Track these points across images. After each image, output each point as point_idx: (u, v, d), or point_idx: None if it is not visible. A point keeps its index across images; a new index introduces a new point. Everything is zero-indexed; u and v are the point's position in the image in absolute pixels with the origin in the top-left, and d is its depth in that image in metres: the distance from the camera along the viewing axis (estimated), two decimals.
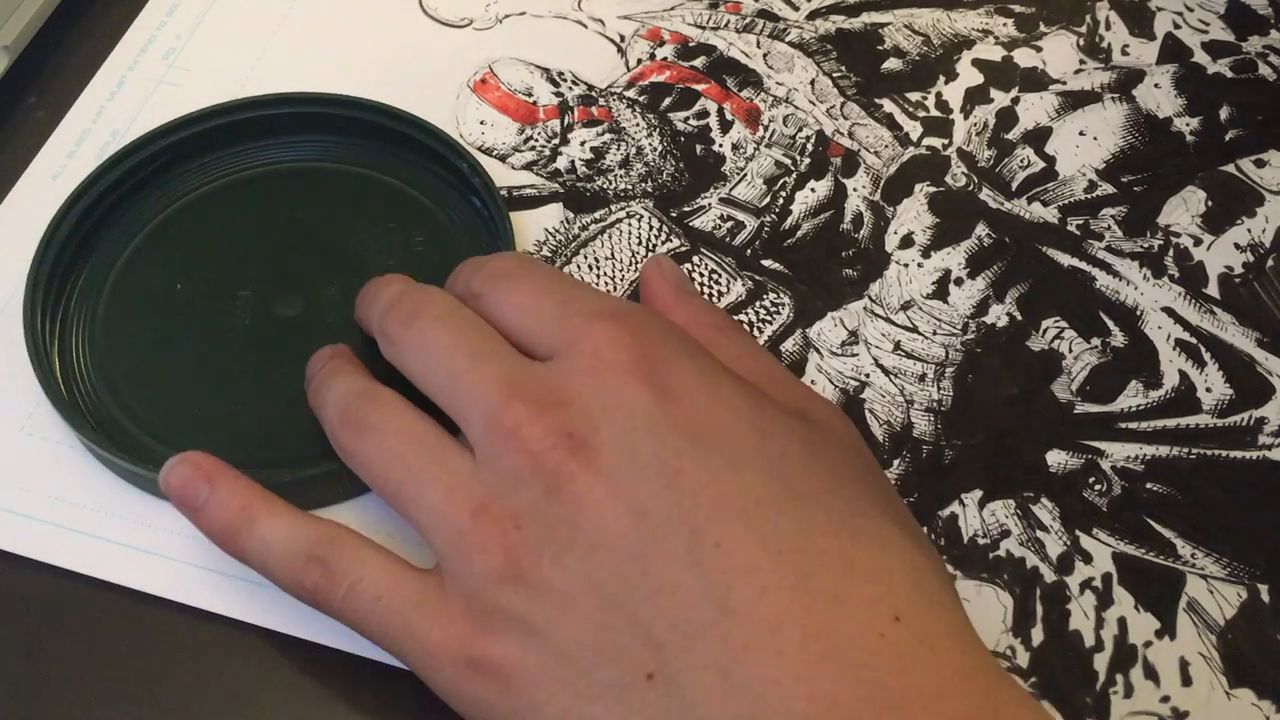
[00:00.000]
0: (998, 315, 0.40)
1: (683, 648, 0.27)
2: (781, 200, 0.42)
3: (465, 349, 0.31)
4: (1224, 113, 0.44)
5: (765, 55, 0.46)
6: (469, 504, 0.29)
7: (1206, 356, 0.39)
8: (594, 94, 0.45)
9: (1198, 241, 0.41)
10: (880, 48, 0.46)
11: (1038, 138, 0.44)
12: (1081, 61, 0.46)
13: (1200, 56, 0.46)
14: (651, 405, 0.29)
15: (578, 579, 0.28)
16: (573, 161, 0.43)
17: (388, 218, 0.41)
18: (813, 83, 0.45)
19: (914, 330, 0.39)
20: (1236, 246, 0.41)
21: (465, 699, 0.29)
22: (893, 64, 0.46)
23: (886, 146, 0.44)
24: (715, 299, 0.40)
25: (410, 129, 0.42)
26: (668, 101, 0.45)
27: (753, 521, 0.28)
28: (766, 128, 0.44)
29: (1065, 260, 0.41)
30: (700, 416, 0.29)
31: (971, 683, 0.26)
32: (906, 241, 0.41)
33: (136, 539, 0.36)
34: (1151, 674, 0.33)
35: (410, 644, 0.30)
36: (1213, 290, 0.40)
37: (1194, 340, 0.39)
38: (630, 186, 0.43)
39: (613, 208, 0.42)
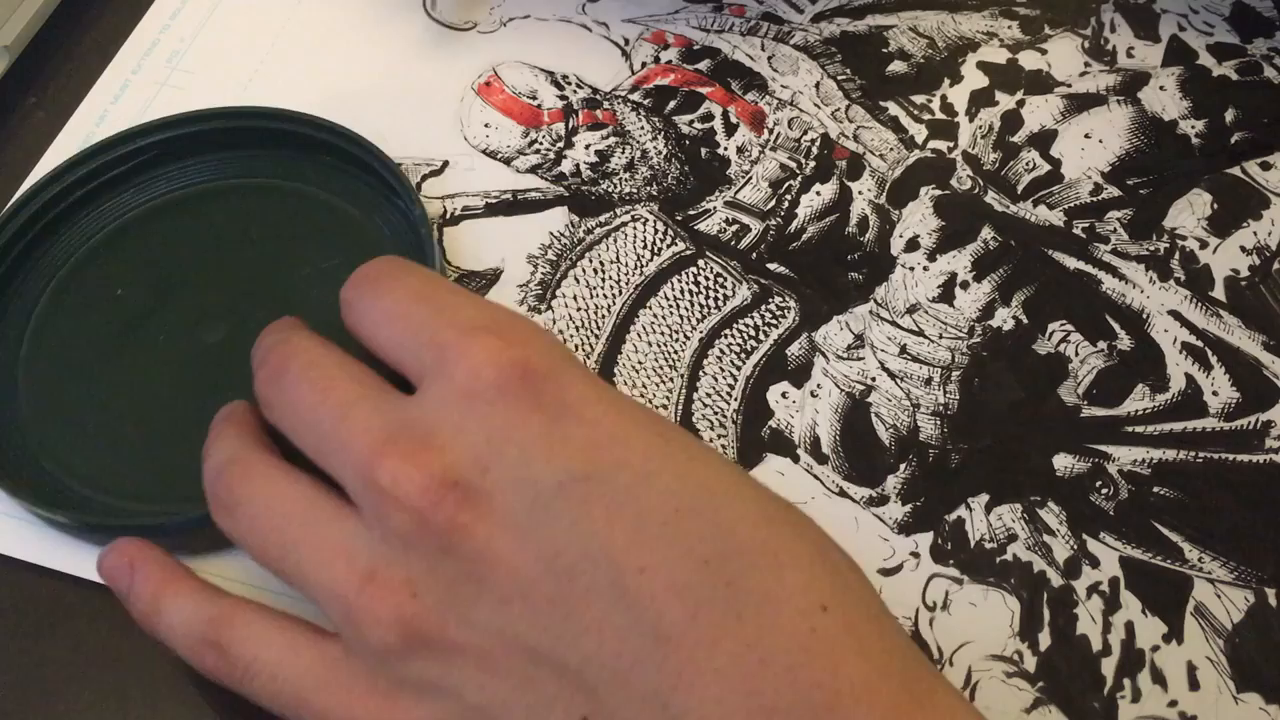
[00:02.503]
0: (1004, 319, 0.40)
1: (618, 685, 0.25)
2: (786, 203, 0.42)
3: (330, 403, 0.29)
4: (1229, 115, 0.44)
5: (770, 58, 0.46)
6: (354, 574, 0.27)
7: (1213, 360, 0.39)
8: (598, 97, 0.45)
9: (1204, 244, 0.41)
10: (885, 50, 0.46)
11: (1043, 140, 0.44)
12: (1086, 64, 0.46)
13: (1205, 59, 0.46)
14: (544, 428, 0.27)
15: (491, 635, 0.26)
16: (577, 165, 0.43)
17: (310, 231, 0.40)
18: (817, 86, 0.45)
19: (920, 334, 0.39)
20: (1243, 249, 0.41)
21: None
22: (897, 67, 0.46)
23: (891, 149, 0.44)
24: (721, 302, 0.40)
25: (324, 134, 0.41)
26: (672, 105, 0.45)
27: (675, 535, 0.26)
28: (771, 131, 0.44)
29: (1071, 263, 0.41)
30: (600, 432, 0.27)
31: (893, 667, 0.26)
32: (912, 245, 0.41)
33: None
34: (1159, 678, 0.33)
35: None
36: (1219, 293, 0.40)
37: (1200, 344, 0.39)
38: (635, 190, 0.43)
39: (618, 211, 0.42)
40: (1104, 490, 0.36)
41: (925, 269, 0.41)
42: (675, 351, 0.39)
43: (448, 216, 0.42)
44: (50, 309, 0.39)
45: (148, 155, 0.42)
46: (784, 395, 0.38)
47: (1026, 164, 0.43)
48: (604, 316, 0.40)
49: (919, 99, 0.45)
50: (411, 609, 0.27)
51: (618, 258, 0.41)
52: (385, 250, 0.39)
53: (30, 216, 0.40)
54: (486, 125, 0.44)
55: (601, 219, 0.42)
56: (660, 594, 0.25)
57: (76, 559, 0.35)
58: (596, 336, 0.39)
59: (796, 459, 0.37)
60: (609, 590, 0.26)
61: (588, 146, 0.44)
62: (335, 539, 0.28)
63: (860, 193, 0.43)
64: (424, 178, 0.43)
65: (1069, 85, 0.45)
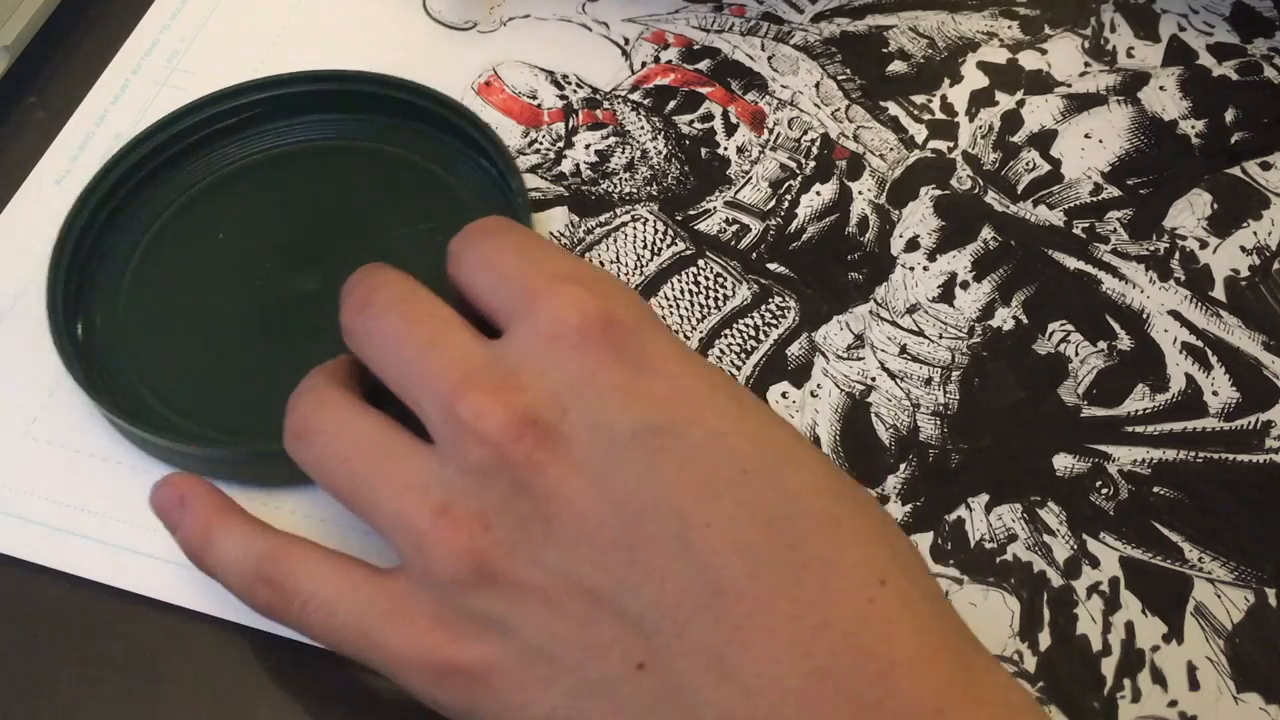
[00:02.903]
0: (1004, 319, 0.40)
1: (674, 635, 0.26)
2: (786, 203, 0.42)
3: (417, 336, 0.30)
4: (1230, 115, 0.44)
5: (770, 58, 0.46)
6: (428, 506, 0.28)
7: (1213, 360, 0.39)
8: (598, 97, 0.45)
9: (1204, 244, 0.41)
10: (885, 50, 0.46)
11: (1043, 140, 0.44)
12: (1087, 64, 0.46)
13: (1206, 59, 0.46)
14: (624, 379, 0.27)
15: (557, 576, 0.27)
16: (577, 165, 0.43)
17: (408, 195, 0.42)
18: (817, 86, 0.45)
19: (920, 334, 0.39)
20: (1243, 249, 0.41)
21: (443, 705, 0.28)
22: (898, 67, 0.46)
23: (892, 149, 0.44)
24: (721, 302, 0.40)
25: (428, 102, 0.42)
26: (672, 105, 0.45)
27: (742, 494, 0.26)
28: (771, 131, 0.44)
29: (1071, 263, 0.41)
30: (677, 389, 0.28)
31: (948, 644, 0.26)
32: (912, 245, 0.41)
33: (135, 542, 0.36)
34: (1159, 678, 0.33)
35: (374, 655, 0.29)
36: (1219, 293, 0.40)
37: (1200, 344, 0.39)
38: (635, 190, 0.43)
39: (617, 211, 0.42)
40: (1104, 490, 0.36)
41: (925, 269, 0.41)
42: None
43: None
44: (154, 245, 0.41)
45: (257, 110, 0.43)
46: (784, 395, 0.38)
47: (1026, 164, 0.43)
48: None
49: (919, 99, 0.45)
50: (483, 541, 0.27)
51: (618, 258, 0.41)
52: (472, 205, 0.40)
53: (143, 157, 0.42)
54: None
55: (601, 219, 0.42)
56: (723, 549, 0.26)
57: (78, 559, 0.35)
58: None
59: None
60: (674, 541, 0.26)
61: (588, 146, 0.44)
62: (409, 472, 0.29)
63: (860, 193, 0.43)
64: None
65: (1069, 85, 0.45)
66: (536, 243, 0.32)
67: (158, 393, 0.38)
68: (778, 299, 0.40)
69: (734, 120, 0.44)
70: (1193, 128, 0.44)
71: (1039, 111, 0.44)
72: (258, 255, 0.40)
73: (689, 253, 0.41)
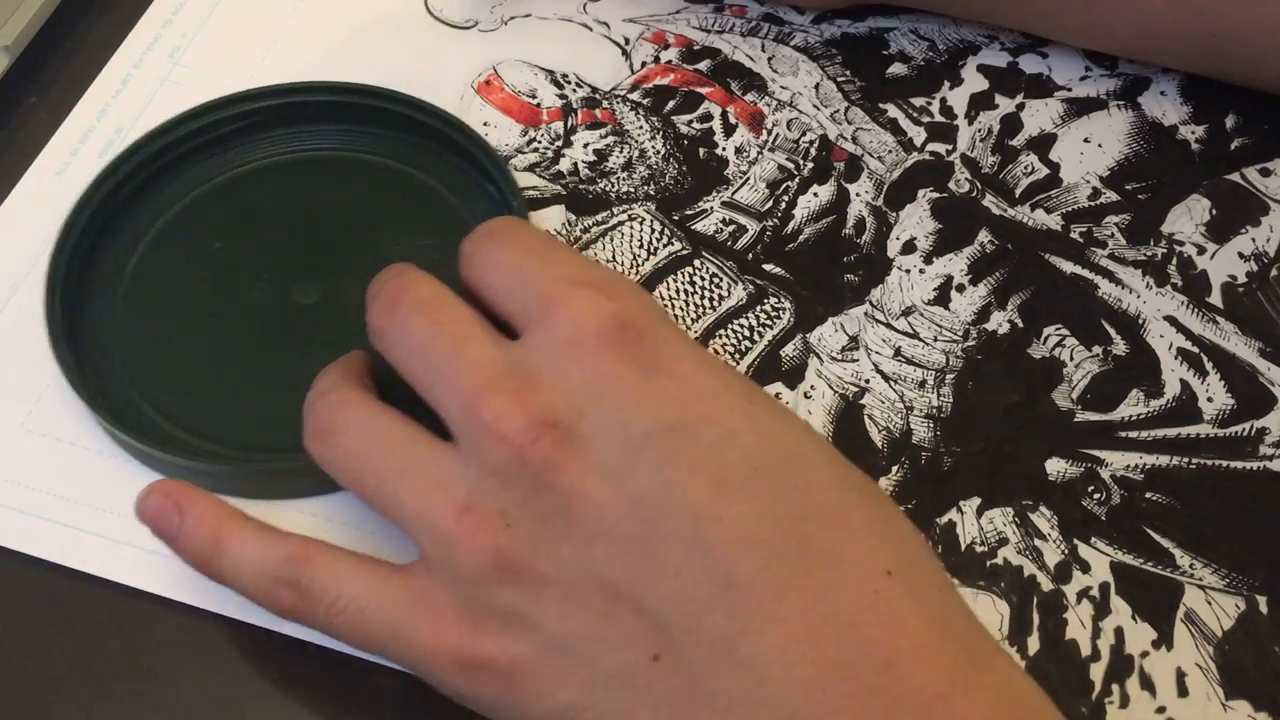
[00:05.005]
0: (999, 322, 0.40)
1: (689, 627, 0.27)
2: (784, 204, 0.42)
3: (442, 337, 0.30)
4: (1229, 121, 0.44)
5: (770, 59, 0.46)
6: (452, 505, 0.29)
7: (1208, 366, 0.39)
8: (598, 96, 0.45)
9: (1201, 250, 0.41)
10: (885, 52, 0.46)
11: (1042, 144, 0.44)
12: (1087, 68, 0.46)
13: None
14: (639, 381, 0.28)
15: (576, 571, 0.28)
16: (575, 164, 0.43)
17: (408, 210, 0.41)
18: (817, 87, 0.45)
19: (915, 336, 0.39)
20: (1240, 255, 0.41)
21: (468, 697, 0.29)
22: (897, 69, 0.46)
23: (890, 152, 0.44)
24: (716, 302, 0.40)
25: (432, 120, 0.42)
26: (671, 105, 0.45)
27: (753, 491, 0.27)
28: (770, 132, 0.44)
29: (1068, 268, 0.41)
30: (689, 388, 0.29)
31: (953, 632, 0.27)
32: (909, 247, 0.41)
33: (134, 536, 0.36)
34: (1148, 684, 0.33)
35: (402, 651, 0.29)
36: (1216, 299, 0.40)
37: (1196, 349, 0.39)
38: (633, 189, 0.43)
39: (615, 210, 0.42)
40: (1096, 495, 0.36)
41: (921, 271, 0.41)
42: None
43: None
44: (150, 253, 0.40)
45: (258, 118, 0.43)
46: (778, 396, 0.38)
47: (1025, 167, 0.43)
48: None
49: (918, 101, 0.45)
50: (505, 538, 0.28)
51: (614, 257, 0.41)
52: (470, 224, 0.40)
53: (141, 162, 0.41)
54: (485, 123, 0.44)
55: (598, 218, 0.42)
56: (735, 544, 0.27)
57: (79, 554, 0.36)
58: None
59: None
60: (688, 537, 0.27)
61: (586, 145, 0.44)
62: (432, 471, 0.29)
63: (858, 194, 0.43)
64: None
65: (1069, 89, 0.45)
66: (549, 245, 0.32)
67: (154, 403, 0.37)
68: (773, 300, 0.40)
69: (733, 121, 0.44)
70: (1192, 133, 0.44)
71: (1038, 115, 0.44)
72: (255, 265, 0.40)
73: (685, 252, 0.41)
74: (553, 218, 0.42)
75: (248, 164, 0.43)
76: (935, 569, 0.28)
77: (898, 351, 0.39)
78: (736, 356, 0.39)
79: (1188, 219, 0.42)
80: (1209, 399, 0.38)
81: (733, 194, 0.43)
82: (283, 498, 0.36)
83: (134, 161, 0.41)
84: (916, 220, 0.42)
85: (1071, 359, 0.39)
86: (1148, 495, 0.36)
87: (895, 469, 0.37)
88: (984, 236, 0.41)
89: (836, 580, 0.27)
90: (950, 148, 0.44)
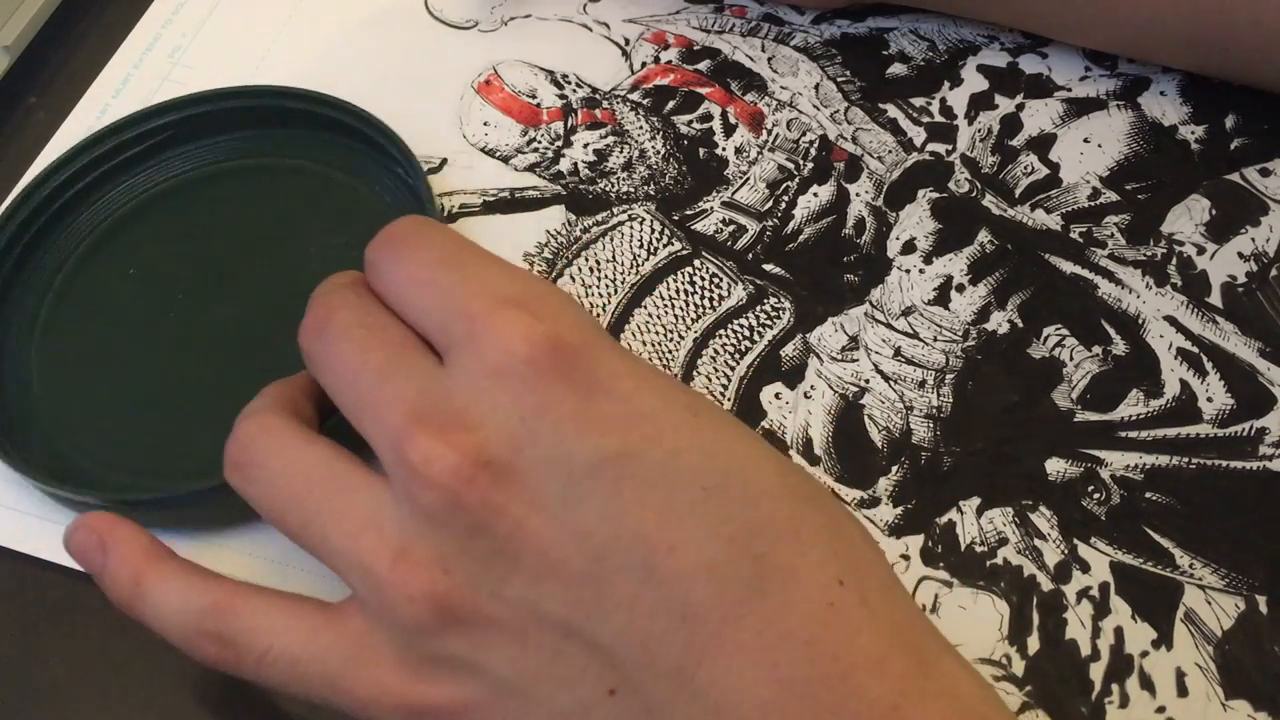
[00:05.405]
0: (999, 322, 0.40)
1: (645, 661, 0.26)
2: (784, 205, 0.42)
3: (368, 367, 0.28)
4: (1229, 121, 0.44)
5: (770, 59, 0.46)
6: (385, 550, 0.27)
7: (1208, 366, 0.39)
8: (598, 97, 0.45)
9: (1201, 250, 0.41)
10: (885, 52, 0.46)
11: (1042, 144, 0.44)
12: (1087, 68, 0.46)
13: None
14: (577, 407, 0.27)
15: (523, 611, 0.27)
16: (575, 164, 0.43)
17: (317, 208, 0.41)
18: (817, 87, 0.45)
19: (914, 336, 0.39)
20: (1240, 255, 0.41)
21: None
22: (897, 69, 0.46)
23: (890, 152, 0.44)
24: (716, 302, 0.40)
25: (327, 109, 0.41)
26: (671, 105, 0.45)
27: (704, 513, 0.26)
28: (770, 132, 0.44)
29: (1068, 268, 0.41)
30: (631, 409, 0.27)
31: (904, 639, 0.26)
32: (908, 247, 0.41)
33: None
34: (1147, 684, 0.33)
35: (341, 700, 0.28)
36: (1215, 299, 0.40)
37: (1196, 349, 0.39)
38: (633, 189, 0.43)
39: (615, 210, 0.42)
40: (1096, 495, 0.36)
41: (921, 271, 0.41)
42: (670, 351, 0.39)
43: (446, 214, 0.42)
44: (64, 289, 0.40)
45: (160, 137, 0.42)
46: (777, 396, 0.38)
47: (1025, 168, 0.43)
48: (599, 315, 0.40)
49: (918, 101, 0.45)
50: (444, 585, 0.27)
51: (614, 257, 0.41)
52: (387, 215, 0.38)
53: (45, 198, 0.41)
54: (485, 123, 0.44)
55: (598, 218, 0.42)
56: (689, 573, 0.26)
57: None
58: None
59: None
60: (640, 569, 0.26)
61: (586, 145, 0.44)
62: (362, 510, 0.28)
63: (858, 194, 0.43)
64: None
65: (1069, 89, 0.45)
66: (463, 251, 0.30)
67: (77, 444, 0.36)
68: (773, 300, 0.40)
69: (733, 121, 0.44)
70: (1192, 133, 0.44)
71: (1038, 115, 0.44)
72: (169, 287, 0.39)
73: (685, 252, 0.41)
74: (553, 218, 0.42)
75: (150, 189, 0.42)
76: (883, 569, 0.28)
77: (898, 351, 0.39)
78: (736, 356, 0.39)
79: (1187, 219, 0.42)
80: (1209, 399, 0.38)
81: (733, 194, 0.43)
82: (221, 526, 0.35)
83: (33, 203, 0.40)
84: (916, 220, 0.42)
85: (1071, 359, 0.39)
86: (1148, 495, 0.36)
87: (895, 469, 0.37)
88: (984, 236, 0.41)
89: (790, 597, 0.26)
90: (950, 148, 0.44)
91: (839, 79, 0.45)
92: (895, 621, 0.27)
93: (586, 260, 0.41)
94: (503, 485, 0.26)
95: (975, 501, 0.36)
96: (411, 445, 0.27)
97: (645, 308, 0.40)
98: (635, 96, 0.45)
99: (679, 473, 0.27)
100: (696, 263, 0.41)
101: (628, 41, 0.47)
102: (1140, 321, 0.40)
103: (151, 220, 0.41)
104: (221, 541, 0.35)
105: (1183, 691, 0.33)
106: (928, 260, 0.41)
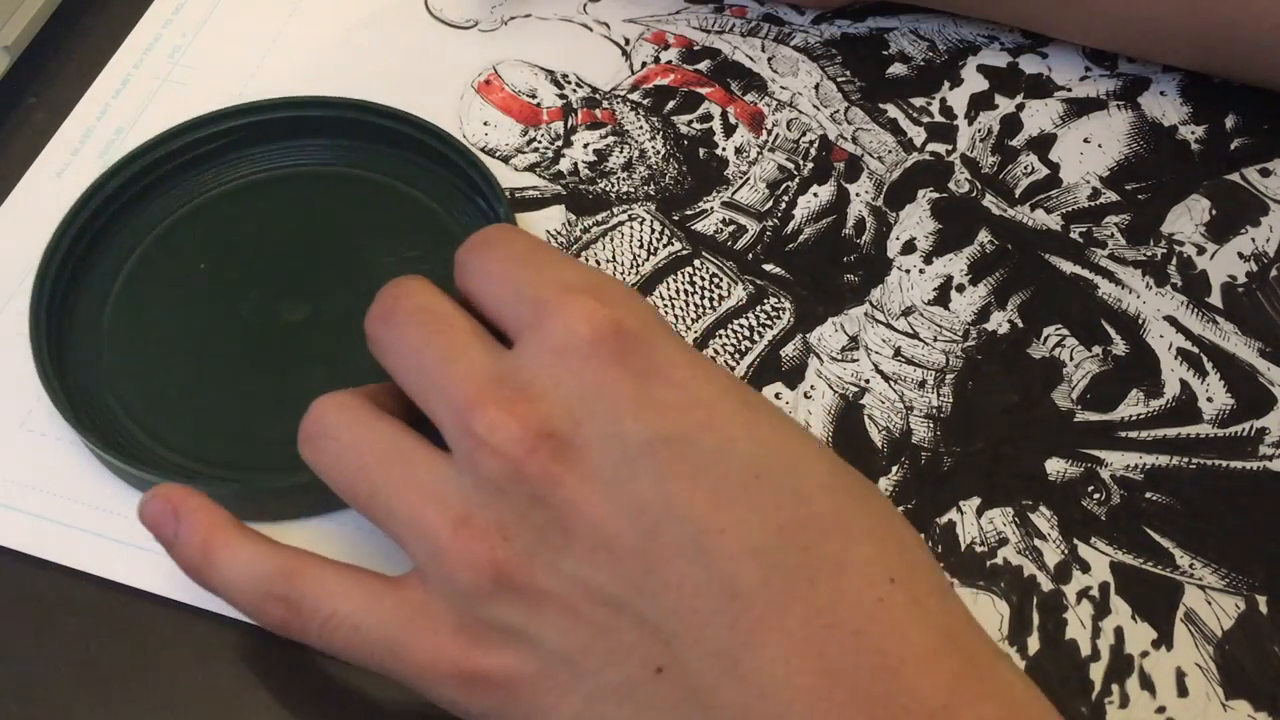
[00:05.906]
0: (999, 322, 0.40)
1: (692, 640, 0.26)
2: (784, 205, 0.42)
3: (435, 346, 0.30)
4: (1229, 121, 0.44)
5: (770, 59, 0.46)
6: (448, 517, 0.28)
7: (1208, 366, 0.39)
8: (598, 96, 0.45)
9: (1201, 250, 0.41)
10: (885, 52, 0.46)
11: (1042, 144, 0.44)
12: (1087, 68, 0.46)
13: None
14: (635, 389, 0.28)
15: (576, 584, 0.27)
16: (575, 164, 0.43)
17: (394, 222, 0.41)
18: (817, 87, 0.45)
19: (914, 336, 0.39)
20: (1240, 255, 0.41)
21: (468, 711, 0.29)
22: (897, 69, 0.46)
23: (890, 152, 0.44)
24: (716, 302, 0.40)
25: (416, 131, 0.42)
26: (671, 105, 0.45)
27: (755, 500, 0.27)
28: (770, 132, 0.44)
29: (1068, 268, 0.41)
30: (687, 396, 0.28)
31: (956, 640, 0.27)
32: (908, 247, 0.41)
33: (134, 536, 0.36)
34: (1147, 684, 0.33)
35: (400, 666, 0.29)
36: (1215, 299, 0.40)
37: (1196, 350, 0.39)
38: (633, 189, 0.43)
39: (615, 210, 0.42)
40: (1096, 495, 0.36)
41: (921, 271, 0.41)
42: None
43: None
44: (135, 274, 0.40)
45: (236, 136, 0.42)
46: (777, 396, 0.38)
47: (1025, 168, 0.43)
48: None
49: (918, 101, 0.45)
50: (503, 553, 0.27)
51: (614, 257, 0.41)
52: (459, 238, 0.40)
53: (122, 184, 0.41)
54: (485, 123, 0.44)
55: (598, 218, 0.42)
56: (737, 555, 0.26)
57: (79, 554, 0.36)
58: None
59: None
60: (690, 548, 0.26)
61: (586, 145, 0.44)
62: (427, 481, 0.29)
63: (858, 194, 0.43)
64: None
65: (1069, 89, 0.45)
66: (543, 250, 0.31)
67: (142, 425, 0.37)
68: (773, 300, 0.40)
69: (733, 121, 0.44)
70: (1192, 133, 0.44)
71: (1038, 115, 0.44)
72: (242, 284, 0.40)
73: (685, 253, 0.41)
74: (553, 218, 0.42)
75: (228, 183, 0.42)
76: (936, 574, 0.28)
77: (898, 351, 0.39)
78: (736, 357, 0.39)
79: (1187, 219, 0.42)
80: (1209, 399, 0.38)
81: (733, 194, 0.43)
82: (276, 519, 0.36)
83: (113, 185, 0.41)
84: (916, 220, 0.42)
85: (1071, 359, 0.39)
86: (1148, 495, 0.36)
87: (895, 469, 0.37)
88: (984, 236, 0.41)
89: (839, 589, 0.26)
90: (950, 148, 0.44)
91: (839, 79, 0.45)
92: (947, 623, 0.27)
93: (586, 260, 0.41)
94: (562, 457, 0.27)
95: (975, 501, 0.36)
96: (477, 415, 0.28)
97: None
98: (635, 96, 0.45)
99: (732, 458, 0.27)
100: (696, 263, 0.41)
101: (628, 41, 0.47)
102: (1140, 321, 0.40)
103: (224, 216, 0.42)
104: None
105: (1183, 691, 0.33)
106: (928, 260, 0.41)
